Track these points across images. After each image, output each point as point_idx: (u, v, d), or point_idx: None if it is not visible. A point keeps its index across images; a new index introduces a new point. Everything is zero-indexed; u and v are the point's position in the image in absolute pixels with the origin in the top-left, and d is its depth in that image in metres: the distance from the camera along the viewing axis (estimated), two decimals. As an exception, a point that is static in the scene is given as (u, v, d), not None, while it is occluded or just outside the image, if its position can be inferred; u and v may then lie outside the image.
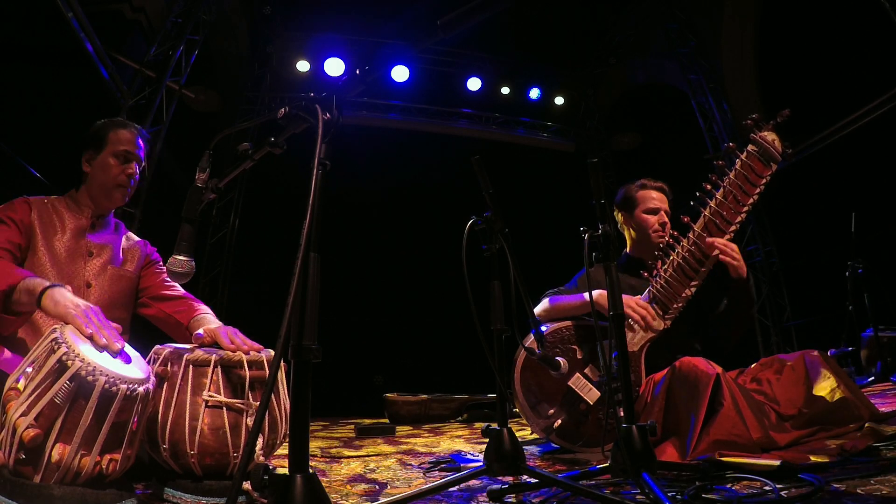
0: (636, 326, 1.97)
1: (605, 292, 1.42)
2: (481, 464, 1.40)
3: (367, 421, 4.35)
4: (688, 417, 1.63)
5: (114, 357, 1.25)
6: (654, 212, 2.22)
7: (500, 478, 1.42)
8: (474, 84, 7.63)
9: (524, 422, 2.38)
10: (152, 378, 1.25)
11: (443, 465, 1.88)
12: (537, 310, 2.19)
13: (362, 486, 1.55)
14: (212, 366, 1.34)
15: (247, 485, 1.05)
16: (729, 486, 1.23)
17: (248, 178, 6.77)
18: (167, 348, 1.39)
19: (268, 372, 1.36)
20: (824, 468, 1.31)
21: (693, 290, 1.97)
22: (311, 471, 0.83)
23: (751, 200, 1.93)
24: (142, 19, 5.11)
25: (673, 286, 1.98)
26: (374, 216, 7.26)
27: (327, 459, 2.19)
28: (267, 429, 1.38)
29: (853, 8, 4.77)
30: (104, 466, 1.14)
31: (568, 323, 2.09)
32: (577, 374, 2.01)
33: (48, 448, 1.08)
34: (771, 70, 6.32)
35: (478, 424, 4.05)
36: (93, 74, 4.28)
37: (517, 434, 1.43)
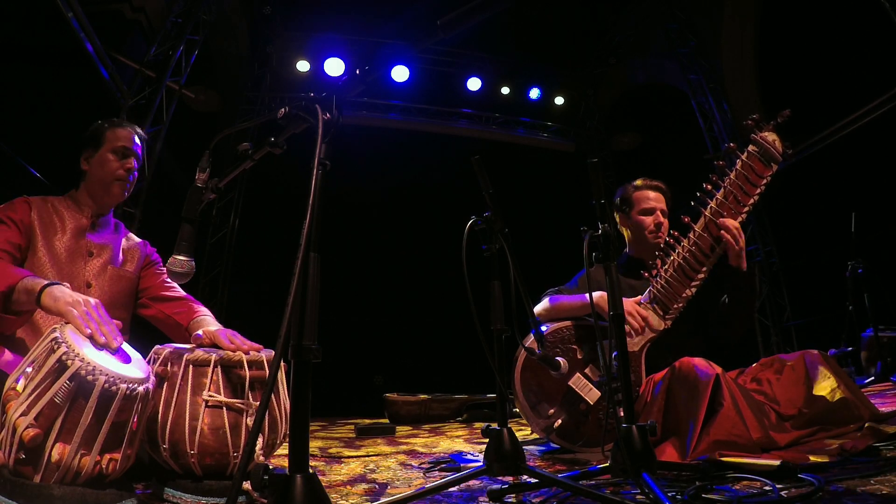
0: (634, 334, 1.97)
1: (605, 294, 1.42)
2: (481, 464, 1.40)
3: (367, 421, 4.35)
4: (687, 417, 1.63)
5: (113, 354, 1.25)
6: (650, 212, 2.21)
7: (500, 478, 1.42)
8: (474, 84, 7.63)
9: (524, 422, 2.38)
10: (152, 378, 1.25)
11: (443, 465, 1.88)
12: (537, 309, 2.19)
13: (362, 486, 1.55)
14: (212, 366, 1.34)
15: (247, 485, 1.05)
16: (729, 486, 1.23)
17: (248, 178, 6.77)
18: (167, 348, 1.39)
19: (268, 372, 1.36)
20: (824, 468, 1.31)
21: (694, 290, 1.97)
22: (310, 471, 0.83)
23: (751, 201, 1.93)
24: (142, 19, 5.11)
25: (673, 286, 1.98)
26: (374, 216, 7.26)
27: (327, 459, 2.19)
28: (267, 429, 1.38)
29: (853, 8, 4.77)
30: (104, 466, 1.14)
31: (568, 323, 2.09)
32: (578, 374, 2.01)
33: (48, 448, 1.08)
34: (771, 70, 6.32)
35: (478, 424, 4.05)
36: (93, 74, 4.28)
37: (517, 434, 1.43)
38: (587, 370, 2.02)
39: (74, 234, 1.73)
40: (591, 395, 1.98)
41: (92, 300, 1.32)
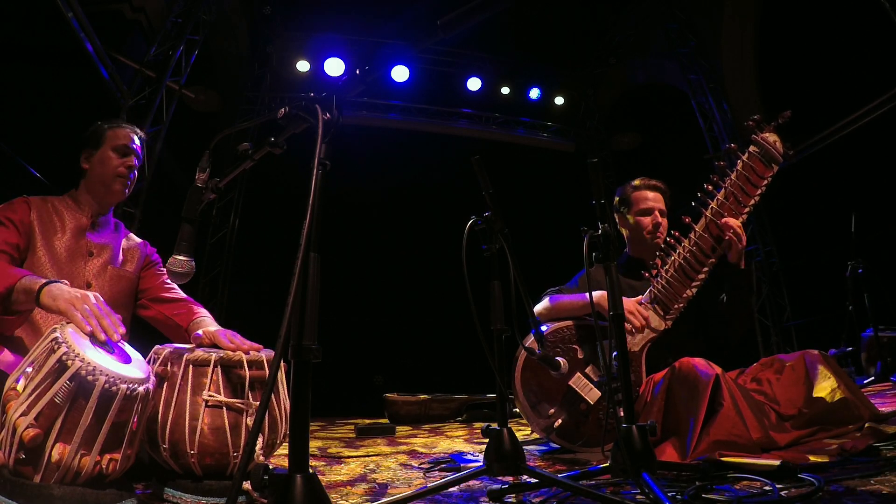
0: (635, 332, 1.98)
1: (605, 293, 1.42)
2: (481, 464, 1.40)
3: (367, 421, 4.35)
4: (687, 418, 1.63)
5: (114, 349, 1.25)
6: (649, 212, 2.21)
7: (500, 478, 1.42)
8: (474, 84, 7.63)
9: (524, 422, 2.38)
10: (152, 378, 1.25)
11: (443, 465, 1.88)
12: (537, 309, 2.19)
13: (362, 487, 1.55)
14: (212, 365, 1.34)
15: (247, 485, 1.05)
16: (729, 485, 1.23)
17: (248, 178, 6.77)
18: (167, 348, 1.39)
19: (268, 372, 1.36)
20: (824, 468, 1.31)
21: (694, 290, 1.97)
22: (310, 471, 0.83)
23: (752, 201, 1.93)
24: (142, 19, 5.10)
25: (674, 286, 1.98)
26: (374, 216, 7.26)
27: (327, 459, 2.19)
28: (267, 429, 1.38)
29: (853, 8, 4.77)
30: (104, 466, 1.14)
31: (569, 322, 2.09)
32: (578, 374, 2.01)
33: (48, 448, 1.08)
34: (771, 70, 6.32)
35: (477, 424, 4.05)
36: (93, 74, 4.27)
37: (517, 434, 1.43)
38: (587, 370, 2.02)
39: (74, 233, 1.73)
40: (592, 394, 1.98)
41: (91, 294, 1.32)
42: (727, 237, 1.90)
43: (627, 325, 1.94)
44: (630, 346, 1.97)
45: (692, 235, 1.97)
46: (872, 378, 3.73)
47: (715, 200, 1.96)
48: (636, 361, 1.98)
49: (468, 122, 7.82)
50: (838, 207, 4.59)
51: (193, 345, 1.49)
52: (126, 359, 1.26)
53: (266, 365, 1.39)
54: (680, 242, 2.00)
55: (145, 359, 1.35)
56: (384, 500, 1.21)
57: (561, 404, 1.99)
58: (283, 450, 1.23)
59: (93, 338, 1.24)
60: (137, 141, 1.86)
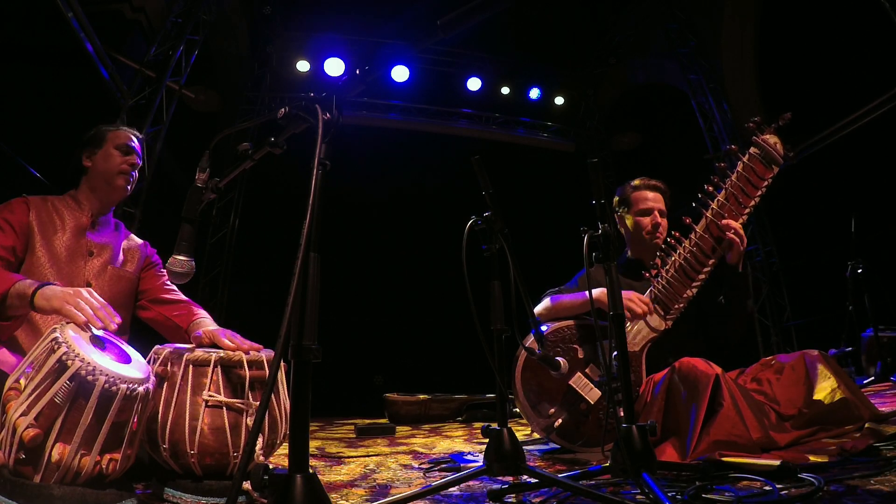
0: (637, 325, 1.97)
1: (605, 290, 1.42)
2: (481, 464, 1.40)
3: (367, 421, 4.34)
4: (687, 418, 1.63)
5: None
6: (648, 212, 2.21)
7: (500, 478, 1.42)
8: (474, 84, 7.63)
9: (524, 421, 2.38)
10: (152, 378, 1.25)
11: (443, 465, 1.88)
12: (538, 309, 2.19)
13: (362, 487, 1.55)
14: (212, 365, 1.34)
15: (247, 485, 1.05)
16: (729, 485, 1.23)
17: (248, 178, 6.77)
18: (167, 348, 1.39)
19: (268, 372, 1.36)
20: (824, 468, 1.31)
21: (695, 290, 1.97)
22: (310, 471, 0.83)
23: (752, 202, 1.93)
24: (142, 19, 5.10)
25: (675, 287, 1.98)
26: (374, 216, 7.26)
27: (327, 459, 2.19)
28: (267, 429, 1.38)
29: (853, 8, 4.77)
30: (104, 466, 1.14)
31: (569, 322, 2.09)
32: (578, 374, 2.01)
33: (48, 448, 1.08)
34: (771, 70, 6.32)
35: (477, 424, 4.05)
36: (93, 74, 4.27)
37: (517, 434, 1.43)
38: (588, 370, 2.02)
39: (74, 233, 1.73)
40: (592, 394, 1.98)
41: (84, 290, 1.32)
42: (729, 238, 1.90)
43: (636, 309, 1.93)
44: (630, 345, 1.97)
45: (693, 236, 1.98)
46: (872, 378, 3.72)
47: (715, 201, 1.96)
48: (636, 361, 1.98)
49: (468, 122, 7.82)
50: (838, 207, 4.59)
51: (193, 345, 1.49)
52: (126, 359, 1.26)
53: (266, 365, 1.39)
54: (680, 243, 2.00)
55: (145, 359, 1.35)
56: (384, 500, 1.21)
57: (561, 404, 1.99)
58: (283, 450, 1.23)
59: (93, 338, 1.24)
60: (137, 143, 1.87)
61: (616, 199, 2.33)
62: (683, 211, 2.05)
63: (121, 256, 1.84)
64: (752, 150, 1.93)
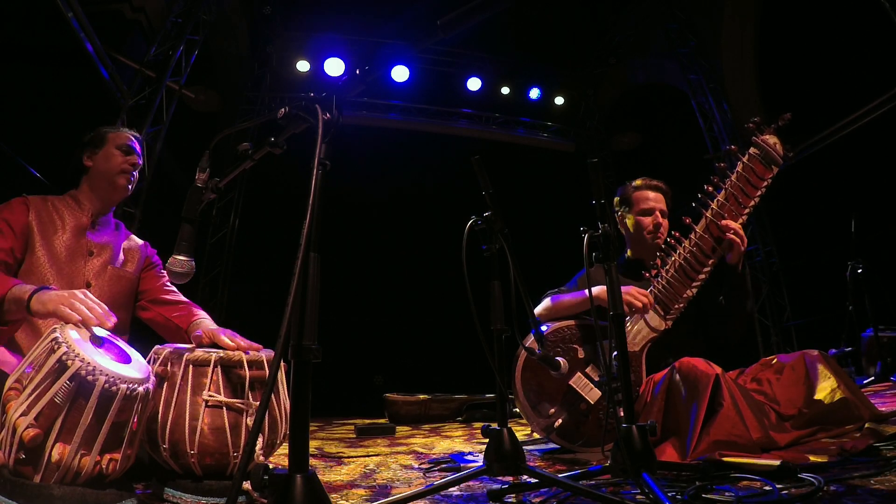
0: (637, 324, 1.97)
1: (605, 288, 1.42)
2: (481, 464, 1.40)
3: (367, 421, 4.35)
4: (687, 417, 1.63)
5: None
6: (650, 213, 2.21)
7: (500, 478, 1.42)
8: (474, 84, 7.63)
9: (523, 421, 2.38)
10: (152, 378, 1.25)
11: (443, 465, 1.88)
12: (538, 309, 2.19)
13: (362, 487, 1.55)
14: (212, 365, 1.34)
15: (247, 485, 1.05)
16: (729, 485, 1.23)
17: (248, 178, 6.77)
18: (167, 348, 1.39)
19: (268, 372, 1.36)
20: (824, 468, 1.31)
21: (694, 290, 1.97)
22: (310, 471, 0.83)
23: (752, 202, 1.93)
24: (142, 19, 5.10)
25: (674, 287, 1.98)
26: (374, 216, 7.26)
27: (327, 459, 2.19)
28: (267, 429, 1.38)
29: (853, 8, 4.77)
30: (104, 466, 1.14)
31: (569, 322, 2.09)
32: (578, 374, 2.01)
33: (48, 448, 1.08)
34: (771, 70, 6.32)
35: (477, 424, 4.05)
36: (93, 74, 4.27)
37: (517, 434, 1.43)
38: (588, 370, 2.02)
39: (74, 232, 1.73)
40: (592, 394, 1.98)
41: (79, 291, 1.32)
42: (729, 238, 1.90)
43: (637, 304, 1.93)
44: (630, 345, 1.97)
45: (692, 236, 1.98)
46: (872, 378, 3.72)
47: (715, 201, 1.96)
48: (636, 361, 1.98)
49: (468, 122, 7.82)
50: (838, 207, 4.59)
51: (193, 345, 1.49)
52: (126, 359, 1.26)
53: (266, 365, 1.39)
54: (680, 243, 2.00)
55: (145, 359, 1.35)
56: (384, 500, 1.21)
57: (561, 404, 1.99)
58: (283, 450, 1.23)
59: (93, 338, 1.24)
60: (138, 144, 1.88)
61: (617, 198, 2.33)
62: (683, 211, 2.05)
63: (121, 256, 1.84)
64: (751, 150, 1.93)
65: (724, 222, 1.91)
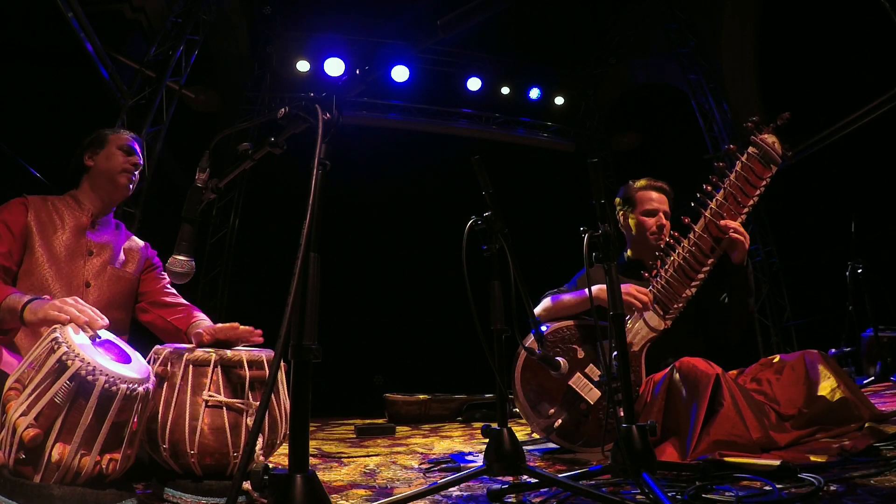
0: (637, 324, 1.97)
1: (605, 287, 1.42)
2: (481, 464, 1.40)
3: (367, 421, 4.34)
4: (688, 417, 1.63)
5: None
6: (653, 213, 2.21)
7: (500, 478, 1.42)
8: (474, 84, 7.63)
9: (523, 421, 2.38)
10: (152, 378, 1.25)
11: (443, 465, 1.88)
12: (538, 310, 2.19)
13: (362, 487, 1.55)
14: (212, 365, 1.34)
15: (247, 485, 1.05)
16: (729, 485, 1.23)
17: (248, 178, 6.77)
18: (167, 348, 1.39)
19: (268, 372, 1.36)
20: (824, 468, 1.31)
21: (693, 290, 1.97)
22: (310, 470, 0.83)
23: (751, 202, 1.93)
24: (142, 19, 5.10)
25: (673, 286, 1.98)
26: (374, 216, 7.26)
27: (327, 459, 2.19)
28: (267, 429, 1.38)
29: (853, 8, 4.77)
30: (104, 466, 1.14)
31: (569, 322, 2.09)
32: (578, 374, 2.01)
33: (48, 448, 1.08)
34: (771, 70, 6.32)
35: (476, 424, 4.05)
36: (93, 74, 4.27)
37: (517, 434, 1.43)
38: (587, 370, 2.02)
39: (74, 232, 1.73)
40: (592, 394, 1.98)
41: (69, 298, 1.33)
42: (732, 238, 1.90)
43: (636, 303, 1.93)
44: (630, 345, 1.97)
45: (691, 236, 1.98)
46: (872, 378, 3.72)
47: (714, 201, 1.96)
48: (636, 361, 1.98)
49: (468, 122, 7.82)
50: (838, 207, 4.58)
51: (194, 344, 1.49)
52: (126, 359, 1.26)
53: (266, 365, 1.39)
54: (679, 243, 2.00)
55: (145, 359, 1.35)
56: (384, 500, 1.21)
57: (561, 404, 1.99)
58: (283, 450, 1.23)
59: (93, 338, 1.24)
60: (138, 146, 1.88)
61: (618, 198, 2.32)
62: (682, 211, 2.05)
63: (121, 257, 1.84)
64: (750, 149, 1.93)
65: (723, 222, 1.91)
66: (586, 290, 2.02)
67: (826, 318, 5.18)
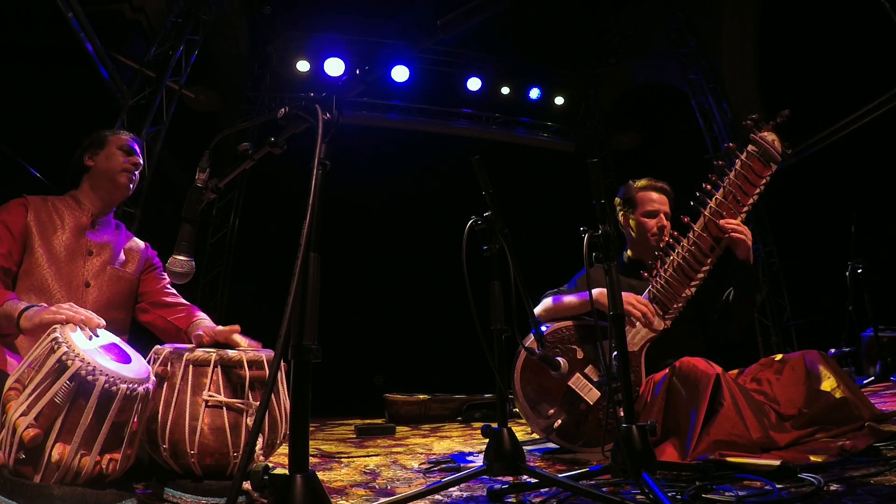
0: (637, 323, 1.97)
1: (605, 290, 1.42)
2: (481, 464, 1.40)
3: (367, 421, 4.34)
4: (688, 417, 1.63)
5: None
6: (653, 215, 2.21)
7: (500, 478, 1.42)
8: (474, 84, 7.63)
9: (523, 421, 2.38)
10: (152, 378, 1.25)
11: (443, 466, 1.88)
12: (538, 310, 2.19)
13: (362, 487, 1.55)
14: (212, 365, 1.34)
15: (247, 485, 1.05)
16: (729, 485, 1.23)
17: (248, 178, 6.76)
18: (167, 348, 1.39)
19: (268, 372, 1.36)
20: (824, 468, 1.31)
21: (693, 290, 1.97)
22: (310, 470, 0.83)
23: (751, 200, 1.93)
24: (142, 19, 5.10)
25: (673, 286, 1.98)
26: (374, 216, 7.26)
27: (327, 459, 2.19)
28: (267, 429, 1.38)
29: (853, 8, 4.77)
30: (104, 466, 1.14)
31: (568, 323, 2.09)
32: (578, 374, 2.01)
33: (48, 448, 1.08)
34: (771, 70, 6.32)
35: (476, 424, 4.05)
36: (93, 74, 4.27)
37: (517, 434, 1.43)
38: (587, 370, 2.02)
39: (74, 232, 1.73)
40: (591, 395, 1.98)
41: (65, 304, 1.33)
42: (733, 237, 1.90)
43: (635, 313, 1.93)
44: (629, 346, 1.97)
45: (691, 235, 1.97)
46: (872, 378, 3.72)
47: (713, 200, 1.96)
48: (635, 361, 1.98)
49: (468, 122, 7.82)
50: (838, 207, 4.58)
51: (194, 344, 1.49)
52: (126, 359, 1.26)
53: (266, 365, 1.39)
54: (679, 242, 2.00)
55: (145, 359, 1.35)
56: (384, 500, 1.21)
57: (561, 404, 1.99)
58: (283, 450, 1.23)
59: (93, 338, 1.24)
60: (137, 147, 1.88)
61: (619, 198, 2.32)
62: (682, 210, 2.05)
63: (121, 257, 1.84)
64: (749, 147, 1.93)
65: (723, 221, 1.91)
66: (587, 292, 2.02)
67: (826, 318, 5.18)
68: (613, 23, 7.45)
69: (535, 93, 7.95)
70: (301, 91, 7.05)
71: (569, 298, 2.15)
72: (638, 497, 1.20)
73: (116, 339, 1.33)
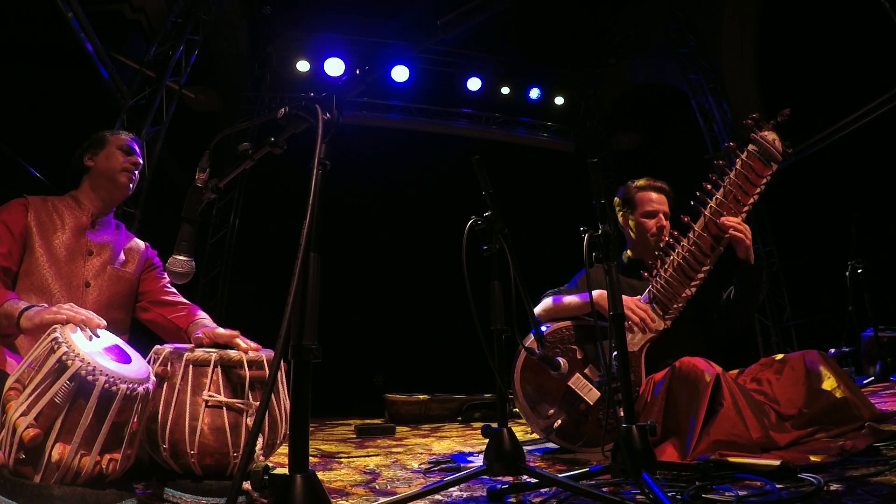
0: (635, 328, 1.97)
1: (605, 292, 1.42)
2: (481, 464, 1.40)
3: (366, 421, 4.34)
4: (688, 417, 1.63)
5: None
6: (653, 215, 2.20)
7: (500, 478, 1.42)
8: (474, 84, 7.63)
9: (522, 421, 2.38)
10: (152, 378, 1.25)
11: (443, 466, 1.88)
12: (537, 310, 2.19)
13: (362, 487, 1.55)
14: (212, 365, 1.34)
15: (247, 485, 1.05)
16: (729, 485, 1.23)
17: (248, 178, 6.76)
18: (167, 348, 1.39)
19: (268, 372, 1.36)
20: (824, 468, 1.31)
21: (693, 290, 1.97)
22: (310, 470, 0.83)
23: (751, 200, 1.93)
24: (142, 19, 5.10)
25: (673, 286, 1.98)
26: (374, 216, 7.26)
27: (327, 459, 2.19)
28: (267, 429, 1.38)
29: (853, 8, 4.77)
30: (104, 466, 1.14)
31: (568, 323, 2.09)
32: (577, 374, 2.01)
33: (48, 448, 1.08)
34: (771, 70, 6.31)
35: (476, 424, 4.05)
36: (93, 74, 4.27)
37: (517, 434, 1.43)
38: (587, 370, 2.02)
39: (74, 232, 1.74)
40: (591, 395, 1.98)
41: (65, 304, 1.33)
42: (732, 235, 1.89)
43: (628, 322, 1.94)
44: (629, 346, 1.97)
45: (691, 235, 1.97)
46: (872, 378, 3.72)
47: (714, 199, 1.95)
48: (635, 361, 1.98)
49: (468, 122, 7.82)
50: (838, 207, 4.58)
51: (194, 345, 1.49)
52: (126, 359, 1.26)
53: (266, 365, 1.39)
54: (679, 242, 2.00)
55: (145, 359, 1.35)
56: (384, 500, 1.21)
57: (560, 405, 1.99)
58: (283, 450, 1.23)
59: (93, 338, 1.24)
60: (137, 147, 1.89)
61: (618, 198, 2.32)
62: (682, 210, 2.05)
63: (121, 257, 1.84)
64: (750, 146, 1.93)
65: (722, 219, 1.91)
66: (587, 293, 2.02)
67: (826, 318, 5.17)
68: (613, 23, 7.45)
69: (535, 93, 7.95)
70: (301, 91, 7.04)
71: (569, 299, 2.15)
72: (638, 497, 1.20)
73: (117, 340, 1.33)
